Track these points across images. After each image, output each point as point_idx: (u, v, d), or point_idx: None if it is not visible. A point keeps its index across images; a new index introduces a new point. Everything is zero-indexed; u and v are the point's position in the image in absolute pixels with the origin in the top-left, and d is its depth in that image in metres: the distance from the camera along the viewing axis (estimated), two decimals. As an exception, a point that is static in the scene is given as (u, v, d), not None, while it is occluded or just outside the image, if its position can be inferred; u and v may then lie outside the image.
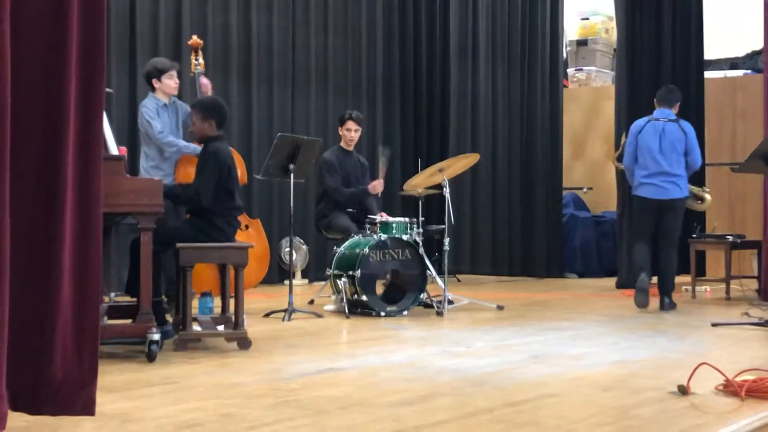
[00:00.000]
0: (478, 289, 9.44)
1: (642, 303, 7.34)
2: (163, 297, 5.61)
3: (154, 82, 6.69)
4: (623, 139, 8.25)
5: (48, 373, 3.11)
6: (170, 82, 6.70)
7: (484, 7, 11.27)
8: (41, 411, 3.14)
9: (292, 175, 6.89)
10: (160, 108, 6.69)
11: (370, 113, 10.78)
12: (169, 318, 5.71)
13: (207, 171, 5.38)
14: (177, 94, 6.94)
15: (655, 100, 7.85)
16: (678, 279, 7.93)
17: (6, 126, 2.87)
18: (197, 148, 6.51)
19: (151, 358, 4.74)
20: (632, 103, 9.84)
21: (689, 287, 8.65)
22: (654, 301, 7.48)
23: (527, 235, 11.21)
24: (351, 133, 7.83)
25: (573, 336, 5.93)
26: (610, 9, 11.24)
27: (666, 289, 7.50)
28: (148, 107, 6.64)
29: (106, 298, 6.63)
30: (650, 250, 7.62)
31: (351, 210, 7.78)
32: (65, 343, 3.14)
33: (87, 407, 3.17)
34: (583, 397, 3.99)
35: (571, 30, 12.56)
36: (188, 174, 6.52)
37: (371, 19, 11.02)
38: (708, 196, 8.73)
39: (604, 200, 11.64)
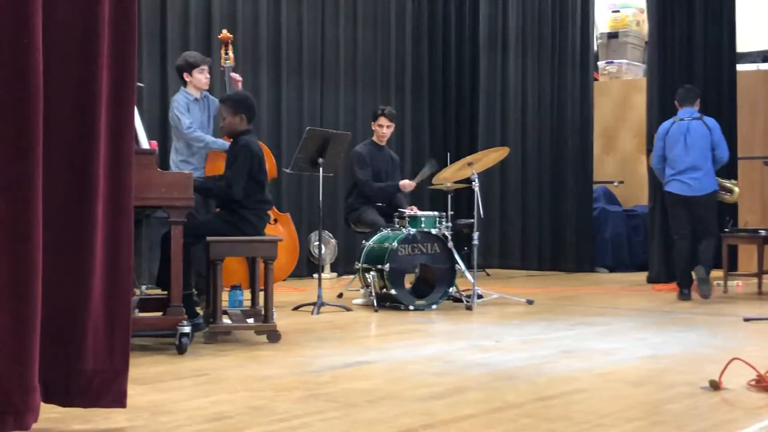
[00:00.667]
0: (507, 284, 9.42)
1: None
2: (194, 290, 5.63)
3: (185, 75, 6.72)
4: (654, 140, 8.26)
5: (80, 365, 3.14)
6: (201, 77, 6.72)
7: (514, -1, 11.24)
8: (73, 403, 3.18)
9: (321, 168, 6.90)
10: (191, 102, 6.71)
11: (399, 106, 10.78)
12: (200, 311, 5.74)
13: (238, 163, 5.41)
14: (208, 88, 6.96)
15: (676, 102, 8.11)
16: (711, 274, 7.87)
17: (38, 119, 2.90)
18: (224, 143, 6.55)
19: (181, 350, 4.78)
20: (663, 96, 9.75)
21: (721, 282, 8.58)
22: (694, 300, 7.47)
23: (557, 229, 11.16)
24: (383, 129, 7.84)
25: (603, 331, 5.91)
26: (641, 1, 11.16)
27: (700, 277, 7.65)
28: (178, 102, 6.67)
29: (137, 291, 6.67)
30: (690, 246, 7.78)
31: (380, 204, 7.79)
32: (97, 335, 3.16)
33: (118, 399, 3.20)
34: (613, 392, 3.97)
35: (602, 22, 12.47)
36: (217, 168, 6.54)
37: (400, 11, 11.02)
38: (736, 189, 8.76)
39: (636, 194, 11.56)
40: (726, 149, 7.79)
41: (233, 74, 7.07)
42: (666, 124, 8.00)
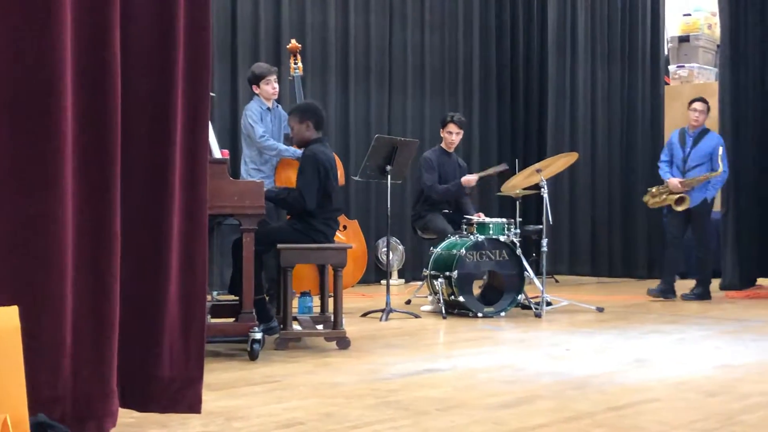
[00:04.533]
0: (577, 291, 9.34)
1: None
2: (265, 297, 5.70)
3: (254, 87, 6.84)
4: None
5: (156, 371, 3.20)
6: (267, 88, 6.82)
7: (583, 2, 11.13)
8: (149, 408, 3.24)
9: (389, 176, 6.93)
10: (264, 112, 6.82)
11: (467, 112, 10.77)
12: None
13: (307, 174, 5.46)
14: (277, 98, 7.04)
15: None
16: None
17: (117, 130, 2.99)
18: (297, 151, 6.62)
19: (253, 356, 4.84)
20: (736, 101, 9.59)
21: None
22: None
23: (628, 235, 11.04)
24: (452, 136, 7.85)
25: (676, 339, 5.83)
26: (713, 4, 10.96)
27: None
28: (252, 110, 6.78)
29: (209, 297, 6.78)
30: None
31: (447, 211, 7.79)
32: (173, 341, 3.23)
33: (194, 405, 3.26)
34: (686, 402, 3.92)
35: (673, 26, 12.29)
36: (288, 177, 6.63)
37: (468, 14, 11.01)
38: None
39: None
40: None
41: None
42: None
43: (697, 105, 8.40)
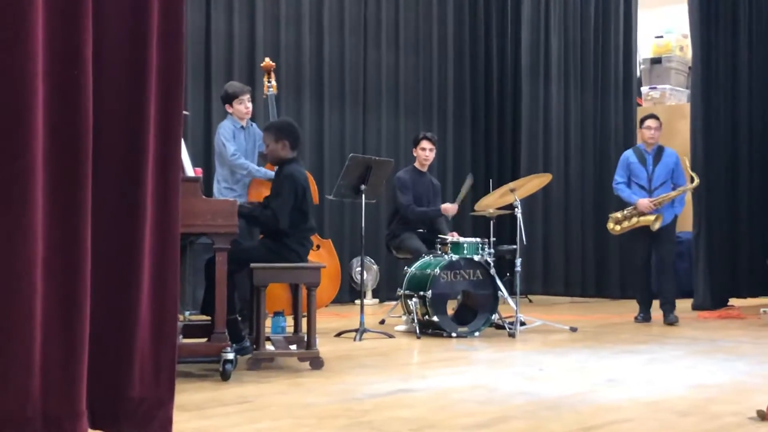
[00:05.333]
0: (550, 311, 9.35)
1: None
2: (237, 317, 5.67)
3: (227, 107, 6.83)
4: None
5: (127, 391, 3.17)
6: (240, 107, 6.81)
7: (556, 25, 11.21)
8: (119, 429, 3.20)
9: (363, 195, 6.93)
10: (237, 130, 6.80)
11: (441, 133, 10.81)
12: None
13: (284, 194, 5.44)
14: (251, 117, 7.03)
15: None
16: (757, 300, 7.79)
17: (89, 148, 2.96)
18: (268, 172, 6.62)
19: (225, 377, 4.80)
20: (708, 122, 9.68)
21: (767, 309, 8.46)
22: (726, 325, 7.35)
23: (601, 255, 11.09)
24: (426, 152, 7.86)
25: (649, 359, 5.84)
26: (684, 27, 11.09)
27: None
28: (225, 128, 6.76)
29: (181, 317, 6.73)
30: None
31: (422, 230, 7.80)
32: (143, 360, 3.20)
33: (164, 426, 3.22)
34: (659, 422, 3.92)
35: (645, 48, 12.42)
36: (261, 195, 6.60)
37: (442, 36, 11.07)
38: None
39: (680, 220, 11.41)
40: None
41: None
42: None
43: (651, 122, 8.18)
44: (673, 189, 8.07)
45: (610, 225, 8.31)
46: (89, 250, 2.97)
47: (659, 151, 8.21)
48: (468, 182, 7.94)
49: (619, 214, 8.22)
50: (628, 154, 8.31)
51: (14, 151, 2.81)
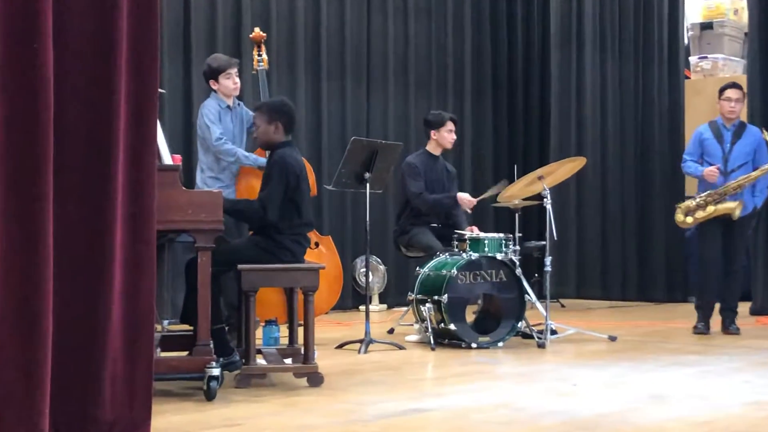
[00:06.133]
0: (586, 317, 9.35)
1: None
2: (225, 325, 5.68)
3: (212, 83, 6.82)
4: None
5: (96, 412, 3.19)
6: (228, 83, 6.81)
7: (591, -15, 11.22)
8: (88, 456, 3.22)
9: (368, 184, 6.93)
10: (223, 111, 6.80)
11: (457, 112, 10.77)
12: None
13: (273, 182, 5.45)
14: (238, 95, 7.03)
15: None
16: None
17: (49, 133, 2.97)
18: (258, 159, 6.62)
19: (210, 396, 4.81)
20: (767, 95, 9.65)
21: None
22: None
23: (644, 252, 11.07)
24: (453, 134, 7.85)
25: (699, 372, 5.84)
26: (739, -14, 11.07)
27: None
28: (209, 109, 6.75)
29: (159, 327, 6.75)
30: None
31: (436, 225, 7.79)
32: (115, 377, 3.22)
33: (139, 453, 3.24)
34: (712, 445, 3.93)
35: (694, 12, 12.38)
36: (251, 186, 6.62)
37: (458, 1, 11.04)
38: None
39: (736, 211, 11.42)
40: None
41: None
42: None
43: (731, 93, 7.90)
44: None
45: (680, 217, 7.90)
46: (51, 252, 2.98)
47: (741, 127, 7.93)
48: (500, 186, 7.84)
49: (690, 203, 7.86)
50: (702, 129, 8.04)
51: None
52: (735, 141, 7.85)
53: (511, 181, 7.83)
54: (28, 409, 2.94)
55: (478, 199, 7.86)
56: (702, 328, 7.87)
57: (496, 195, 7.81)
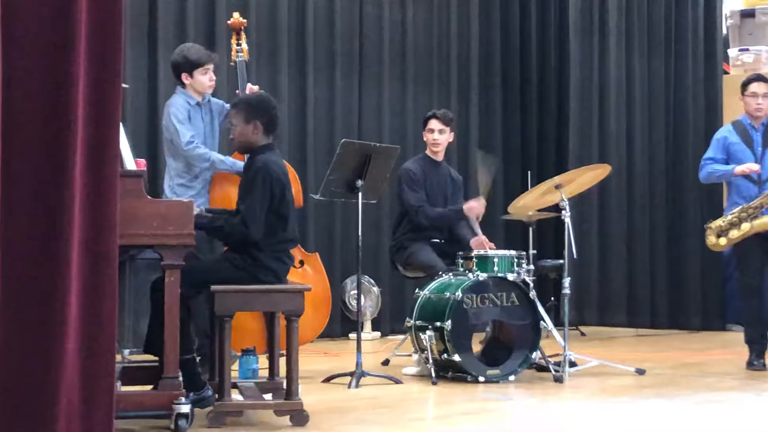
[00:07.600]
0: (609, 347, 9.35)
1: None
2: (195, 355, 5.67)
3: (184, 76, 6.80)
4: None
5: (48, 456, 3.17)
6: (204, 79, 6.79)
7: (615, -31, 11.25)
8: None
9: (360, 194, 6.93)
10: (192, 108, 6.78)
11: (462, 110, 10.81)
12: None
13: (256, 194, 5.42)
14: (212, 92, 7.03)
15: None
16: None
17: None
18: (237, 162, 6.61)
19: (178, 436, 4.81)
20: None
21: None
22: None
23: (676, 273, 11.08)
24: (434, 134, 7.81)
25: (739, 411, 5.85)
26: (786, -32, 11.11)
27: None
28: (176, 107, 6.73)
29: (119, 357, 6.73)
30: None
31: (438, 240, 7.79)
32: (71, 415, 3.21)
33: (98, 502, 3.23)
34: (756, 495, 3.93)
35: (733, -3, 12.43)
36: (226, 195, 6.61)
37: (464, -15, 11.08)
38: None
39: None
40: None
41: (251, 86, 7.08)
42: None
43: (757, 87, 7.67)
44: None
45: (712, 239, 7.65)
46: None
47: None
48: (483, 159, 7.79)
49: (721, 222, 7.61)
50: (726, 132, 7.85)
51: None
52: (767, 144, 7.69)
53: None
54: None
55: (482, 196, 7.76)
56: (758, 366, 7.63)
57: (492, 178, 7.76)
